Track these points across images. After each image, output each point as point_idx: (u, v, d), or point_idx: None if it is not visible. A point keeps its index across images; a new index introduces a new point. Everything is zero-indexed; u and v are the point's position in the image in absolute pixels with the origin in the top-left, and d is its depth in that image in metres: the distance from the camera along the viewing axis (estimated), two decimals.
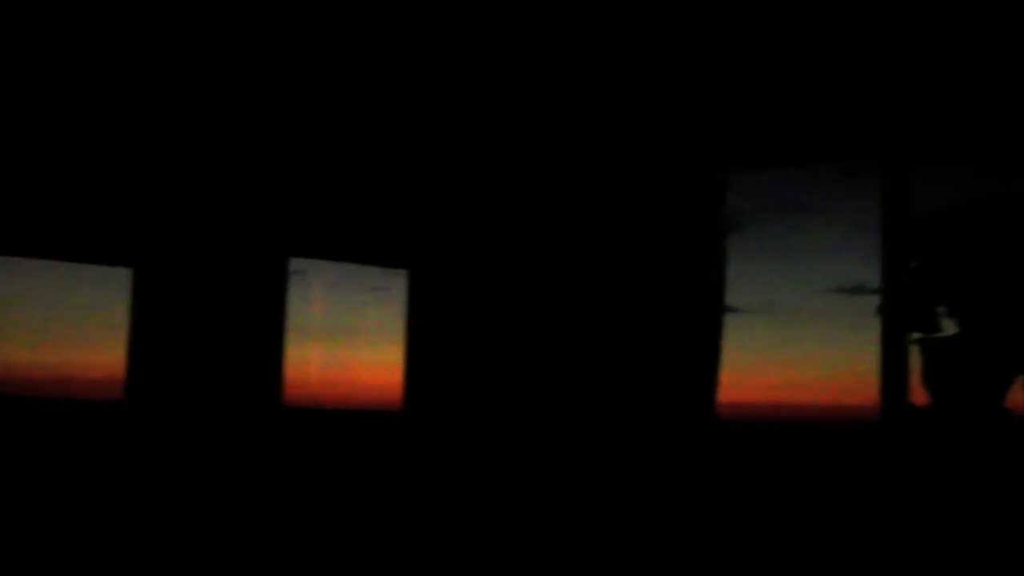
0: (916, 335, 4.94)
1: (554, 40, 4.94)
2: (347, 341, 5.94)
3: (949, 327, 4.84)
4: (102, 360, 5.14)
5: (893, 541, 4.61)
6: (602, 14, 4.69)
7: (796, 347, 6.20)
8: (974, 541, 4.30)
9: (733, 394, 5.70)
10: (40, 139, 4.93)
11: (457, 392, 5.59)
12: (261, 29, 4.84)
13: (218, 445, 5.18)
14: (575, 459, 5.44)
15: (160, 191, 5.15)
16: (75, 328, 5.15)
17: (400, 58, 5.06)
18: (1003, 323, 4.63)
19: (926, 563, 4.46)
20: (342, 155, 5.55)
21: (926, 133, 4.92)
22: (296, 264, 5.51)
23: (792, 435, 5.31)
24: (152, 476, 5.05)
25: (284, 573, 4.99)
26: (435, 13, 4.62)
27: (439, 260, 5.75)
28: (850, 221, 5.84)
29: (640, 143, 5.56)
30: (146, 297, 5.12)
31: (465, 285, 5.74)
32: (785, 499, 5.01)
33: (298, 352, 5.49)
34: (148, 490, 5.02)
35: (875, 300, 5.29)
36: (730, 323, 5.70)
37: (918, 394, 4.91)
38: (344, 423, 5.43)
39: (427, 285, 5.74)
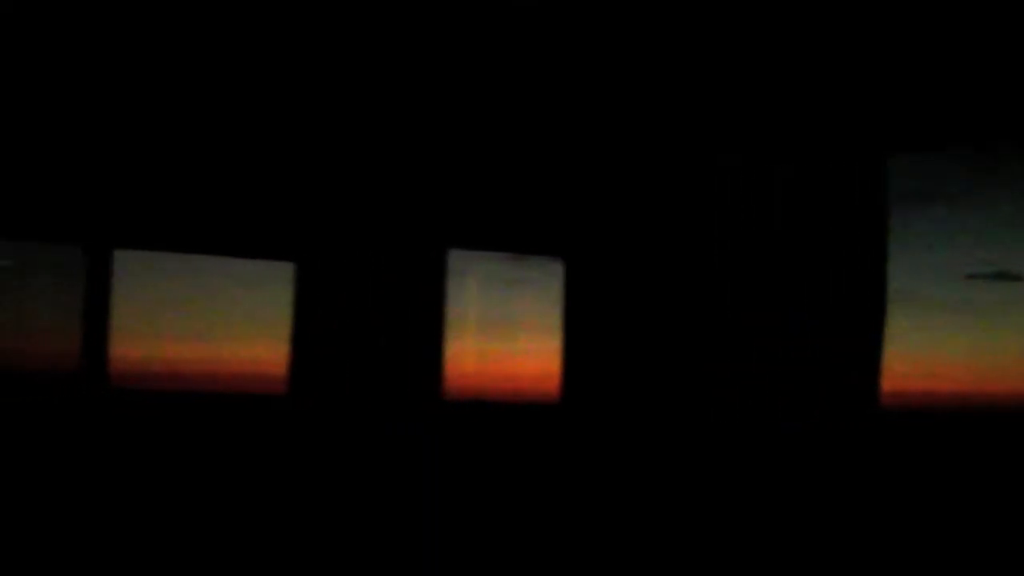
0: None
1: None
2: (490, 333, 5.94)
3: None
4: (265, 355, 5.16)
5: None
6: None
7: (936, 334, 6.17)
8: None
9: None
10: (204, 136, 4.98)
11: (611, 383, 5.58)
12: (411, 23, 4.85)
13: (379, 439, 5.19)
14: (745, 455, 5.42)
15: (322, 186, 5.19)
16: (239, 323, 5.16)
17: (564, 49, 5.06)
18: None
19: None
20: (500, 146, 5.56)
21: None
22: None
23: (950, 425, 5.28)
24: (314, 469, 5.07)
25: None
26: None
27: (596, 250, 5.71)
28: (991, 206, 5.83)
29: (803, 129, 5.52)
30: (308, 291, 5.14)
31: (622, 275, 5.71)
32: (957, 493, 4.99)
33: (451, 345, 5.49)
34: (310, 482, 5.04)
35: (1018, 286, 5.27)
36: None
37: None
38: (505, 416, 5.43)
39: (584, 275, 5.70)
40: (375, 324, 5.20)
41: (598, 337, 5.64)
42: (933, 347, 6.22)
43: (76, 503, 4.63)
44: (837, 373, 5.38)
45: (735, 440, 5.43)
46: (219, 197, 5.01)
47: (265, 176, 5.10)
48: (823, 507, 5.17)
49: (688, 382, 5.54)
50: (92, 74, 4.73)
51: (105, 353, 4.74)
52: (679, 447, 5.52)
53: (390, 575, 4.96)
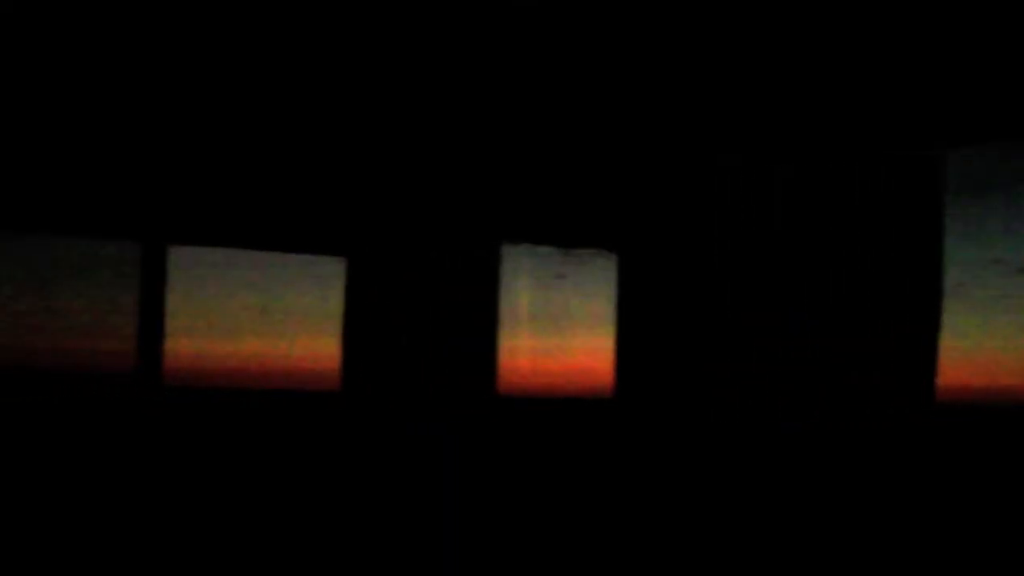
0: None
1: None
2: (538, 328, 5.88)
3: None
4: (318, 351, 5.10)
5: None
6: None
7: (992, 329, 6.10)
8: None
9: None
10: (257, 131, 4.92)
11: (668, 380, 5.51)
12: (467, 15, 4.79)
13: (431, 435, 5.14)
14: (799, 456, 5.36)
15: (373, 181, 5.13)
16: (290, 319, 5.10)
17: (618, 42, 4.99)
18: None
19: None
20: (552, 139, 5.49)
21: None
22: None
23: (1009, 421, 5.22)
24: (371, 464, 5.02)
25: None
26: None
27: (651, 243, 5.64)
28: None
29: (861, 123, 5.45)
30: (359, 286, 5.08)
31: (679, 270, 5.63)
32: (1013, 492, 4.93)
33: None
34: (362, 480, 4.99)
35: None
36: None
37: None
38: (559, 412, 5.37)
39: (638, 268, 5.64)
40: (428, 319, 5.15)
41: (654, 331, 5.57)
42: (990, 342, 6.17)
43: (131, 503, 4.58)
44: (891, 370, 5.32)
45: (787, 438, 5.37)
46: (271, 192, 4.96)
47: (317, 171, 5.05)
48: (884, 503, 5.11)
49: (736, 378, 5.49)
50: (146, 70, 4.68)
51: (160, 350, 4.68)
52: (726, 442, 5.46)
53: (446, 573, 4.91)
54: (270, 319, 5.05)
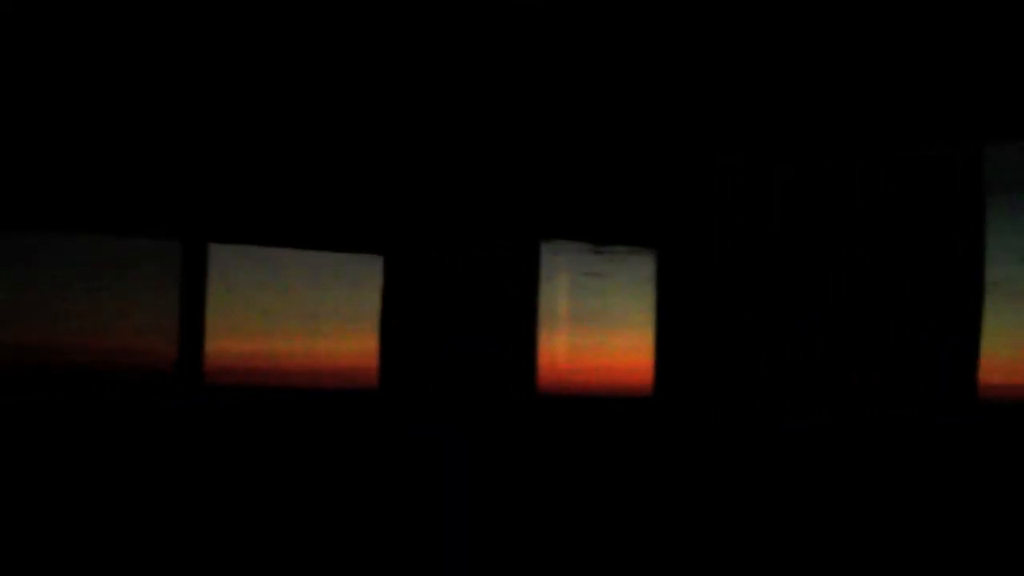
0: None
1: None
2: (573, 327, 5.87)
3: None
4: (355, 349, 5.11)
5: None
6: None
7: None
8: None
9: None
10: (294, 130, 4.93)
11: (708, 382, 5.48)
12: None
13: (471, 434, 5.13)
14: (840, 450, 5.34)
15: (411, 178, 5.13)
16: (327, 317, 5.10)
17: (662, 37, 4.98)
18: None
19: None
20: (591, 134, 5.46)
21: None
22: None
23: None
24: (416, 464, 5.01)
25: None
26: None
27: (694, 239, 5.59)
28: None
29: (896, 118, 5.42)
30: (397, 284, 5.08)
31: (717, 267, 5.60)
32: None
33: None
34: (398, 478, 4.99)
35: None
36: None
37: None
38: (598, 411, 5.36)
39: (679, 265, 5.60)
40: (466, 317, 5.14)
41: (695, 328, 5.52)
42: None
43: (175, 502, 4.59)
44: (933, 370, 5.29)
45: (835, 439, 5.34)
46: (310, 190, 4.96)
47: (355, 168, 5.05)
48: (931, 503, 5.09)
49: (775, 379, 5.45)
50: (188, 67, 4.69)
51: (201, 349, 4.69)
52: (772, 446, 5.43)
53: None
54: (307, 317, 5.05)
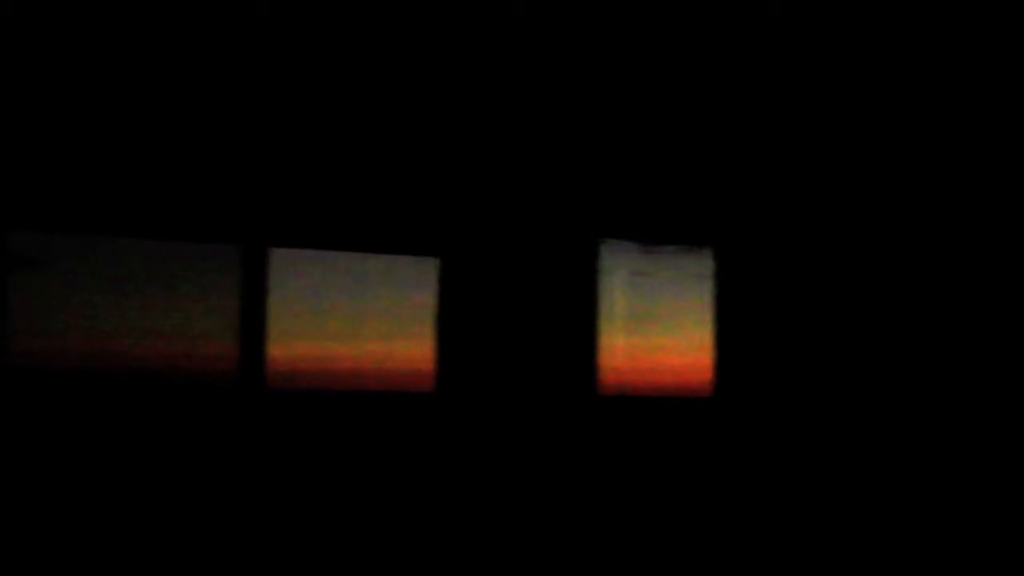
0: None
1: None
2: (631, 327, 5.82)
3: None
4: (412, 352, 5.06)
5: None
6: None
7: None
8: None
9: None
10: (352, 134, 4.87)
11: (770, 383, 5.45)
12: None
13: (532, 437, 5.10)
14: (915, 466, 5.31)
15: (467, 179, 5.08)
16: (383, 320, 5.05)
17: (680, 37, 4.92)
18: None
19: None
20: (652, 133, 5.41)
21: None
22: None
23: None
24: (465, 467, 4.99)
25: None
26: None
27: (753, 240, 5.54)
28: None
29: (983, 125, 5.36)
30: (453, 287, 5.04)
31: (782, 269, 5.54)
32: None
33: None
34: (464, 481, 4.96)
35: None
36: None
37: None
38: (658, 412, 5.33)
39: (738, 266, 5.55)
40: (525, 319, 5.10)
41: (755, 329, 5.49)
42: None
43: (241, 508, 4.56)
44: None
45: (895, 441, 5.31)
46: (367, 194, 4.91)
47: (412, 172, 5.00)
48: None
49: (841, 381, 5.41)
50: (245, 75, 4.64)
51: (263, 354, 4.65)
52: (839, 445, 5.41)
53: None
54: (365, 320, 5.01)
